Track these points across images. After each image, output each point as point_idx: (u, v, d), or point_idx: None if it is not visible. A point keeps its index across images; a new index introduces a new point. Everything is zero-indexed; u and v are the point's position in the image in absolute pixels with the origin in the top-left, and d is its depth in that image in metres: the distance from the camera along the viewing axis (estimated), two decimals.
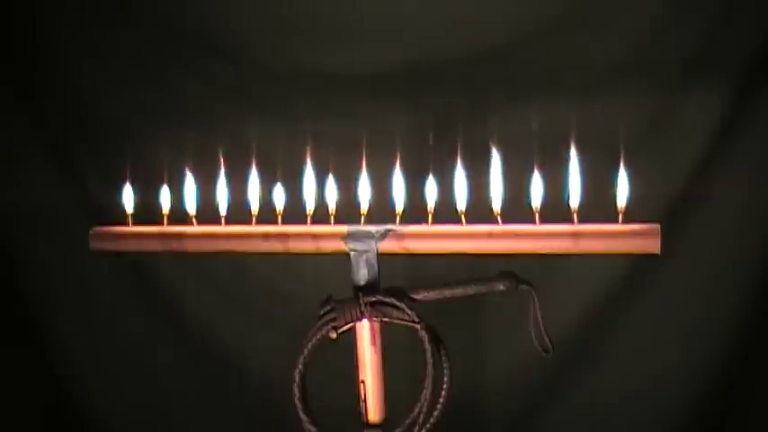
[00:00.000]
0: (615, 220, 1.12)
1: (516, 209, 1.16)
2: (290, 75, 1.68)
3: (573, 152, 1.13)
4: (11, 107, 1.78)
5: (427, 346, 1.18)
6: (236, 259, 1.44)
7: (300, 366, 1.22)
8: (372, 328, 1.21)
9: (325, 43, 1.66)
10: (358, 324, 1.20)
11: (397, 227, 1.19)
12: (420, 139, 1.52)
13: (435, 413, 1.19)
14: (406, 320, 1.18)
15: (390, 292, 1.19)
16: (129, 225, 1.32)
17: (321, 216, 1.23)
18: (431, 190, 1.19)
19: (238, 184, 1.29)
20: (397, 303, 1.18)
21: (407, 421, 1.21)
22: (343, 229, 1.21)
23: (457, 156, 1.19)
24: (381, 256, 1.20)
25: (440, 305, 1.21)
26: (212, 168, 1.35)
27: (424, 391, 1.18)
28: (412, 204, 1.21)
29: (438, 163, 1.22)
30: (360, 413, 1.24)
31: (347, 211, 1.24)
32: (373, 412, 1.23)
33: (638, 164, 1.16)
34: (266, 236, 1.24)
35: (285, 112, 1.70)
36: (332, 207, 1.23)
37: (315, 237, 1.22)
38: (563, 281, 1.63)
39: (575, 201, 1.13)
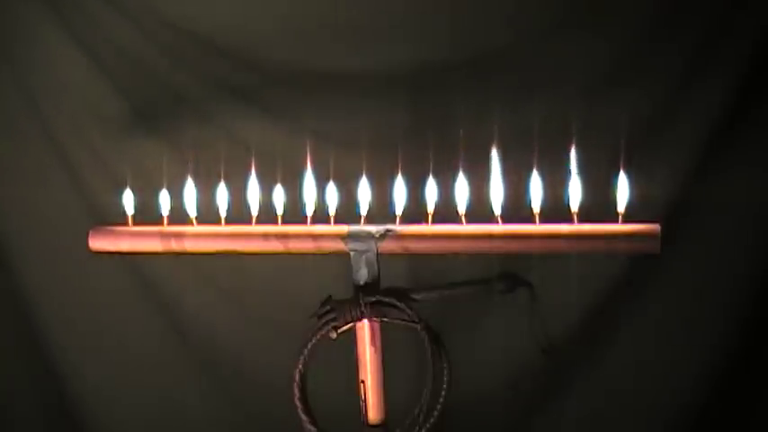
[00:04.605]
0: (615, 220, 1.12)
1: (516, 209, 1.16)
2: (290, 75, 1.67)
3: (573, 152, 1.13)
4: (9, 107, 1.77)
5: (427, 346, 1.18)
6: (236, 259, 1.43)
7: (300, 366, 1.22)
8: (372, 328, 1.21)
9: (325, 43, 1.65)
10: (358, 324, 1.21)
11: (396, 227, 1.19)
12: (420, 139, 1.52)
13: (435, 413, 1.19)
14: (405, 320, 1.18)
15: (390, 292, 1.19)
16: (128, 225, 1.32)
17: (321, 216, 1.23)
18: (431, 190, 1.19)
19: (239, 185, 1.29)
20: (397, 303, 1.18)
21: (407, 421, 1.21)
22: (344, 229, 1.21)
23: (459, 156, 1.19)
24: (381, 256, 1.20)
25: (440, 305, 1.21)
26: (212, 169, 1.35)
27: (425, 391, 1.18)
28: (412, 205, 1.22)
29: (438, 163, 1.22)
30: (360, 413, 1.24)
31: (347, 211, 1.24)
32: (373, 412, 1.24)
33: (639, 164, 1.16)
34: (266, 236, 1.24)
35: (285, 113, 1.69)
36: (332, 207, 1.23)
37: (315, 237, 1.22)
38: (563, 281, 1.63)
39: (575, 201, 1.13)
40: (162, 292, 1.82)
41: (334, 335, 1.20)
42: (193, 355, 1.85)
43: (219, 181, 1.30)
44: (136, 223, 1.32)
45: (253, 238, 1.25)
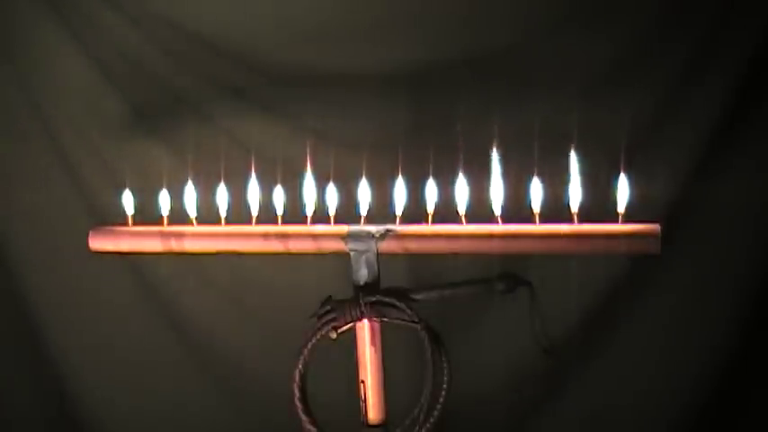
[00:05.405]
0: (615, 220, 1.12)
1: (516, 209, 1.16)
2: (290, 75, 1.67)
3: (573, 152, 1.13)
4: (10, 107, 1.77)
5: (427, 346, 1.18)
6: (236, 260, 1.44)
7: (300, 366, 1.22)
8: (372, 328, 1.21)
9: (326, 43, 1.65)
10: (358, 324, 1.21)
11: (396, 227, 1.19)
12: (421, 139, 1.52)
13: (435, 413, 1.19)
14: (405, 320, 1.18)
15: (390, 292, 1.19)
16: (128, 225, 1.32)
17: (321, 216, 1.23)
18: (431, 190, 1.19)
19: (238, 185, 1.29)
20: (397, 303, 1.18)
21: (407, 421, 1.21)
22: (344, 229, 1.21)
23: (459, 156, 1.19)
24: (381, 256, 1.20)
25: (440, 305, 1.21)
26: (212, 169, 1.35)
27: (424, 391, 1.18)
28: (412, 205, 1.22)
29: (439, 163, 1.22)
30: (360, 413, 1.24)
31: (347, 211, 1.24)
32: (373, 412, 1.23)
33: (639, 164, 1.16)
34: (266, 236, 1.24)
35: (286, 113, 1.69)
36: (332, 207, 1.23)
37: (315, 237, 1.22)
38: (563, 281, 1.63)
39: (575, 201, 1.13)
40: (162, 293, 1.82)
41: (334, 335, 1.20)
42: (193, 355, 1.85)
43: (219, 181, 1.30)
44: (136, 223, 1.32)
45: (253, 238, 1.25)
